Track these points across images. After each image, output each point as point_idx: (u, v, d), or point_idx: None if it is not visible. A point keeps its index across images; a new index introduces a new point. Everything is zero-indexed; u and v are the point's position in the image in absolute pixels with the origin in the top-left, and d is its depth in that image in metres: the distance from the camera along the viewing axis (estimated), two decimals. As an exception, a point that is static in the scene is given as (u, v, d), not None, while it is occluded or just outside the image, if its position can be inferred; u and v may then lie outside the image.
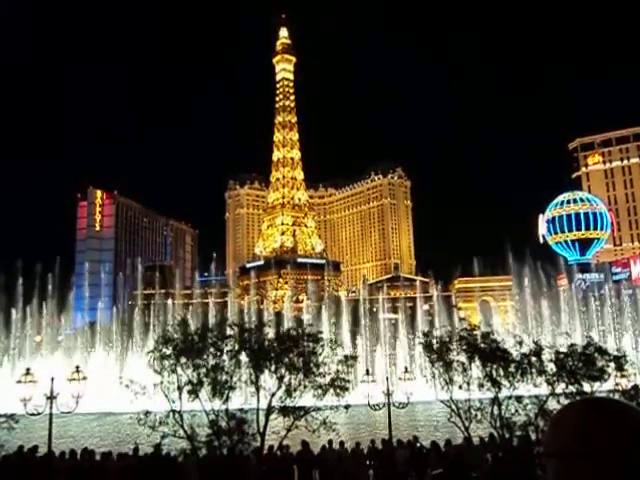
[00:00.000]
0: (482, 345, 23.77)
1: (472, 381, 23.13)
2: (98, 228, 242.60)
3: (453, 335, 25.41)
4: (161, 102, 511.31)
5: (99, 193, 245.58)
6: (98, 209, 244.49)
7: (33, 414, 17.81)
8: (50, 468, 16.78)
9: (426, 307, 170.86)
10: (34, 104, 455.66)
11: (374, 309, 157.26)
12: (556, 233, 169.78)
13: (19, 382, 17.96)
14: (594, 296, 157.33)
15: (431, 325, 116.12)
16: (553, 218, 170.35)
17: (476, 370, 23.33)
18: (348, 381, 23.04)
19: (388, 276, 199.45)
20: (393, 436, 22.95)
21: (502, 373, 22.61)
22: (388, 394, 22.87)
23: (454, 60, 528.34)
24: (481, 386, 22.82)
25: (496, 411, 21.88)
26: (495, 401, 22.08)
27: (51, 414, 17.36)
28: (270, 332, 23.91)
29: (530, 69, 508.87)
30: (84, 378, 18.91)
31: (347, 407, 22.74)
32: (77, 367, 19.27)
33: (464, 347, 23.91)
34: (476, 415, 22.26)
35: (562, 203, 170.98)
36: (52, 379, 17.76)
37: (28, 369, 18.56)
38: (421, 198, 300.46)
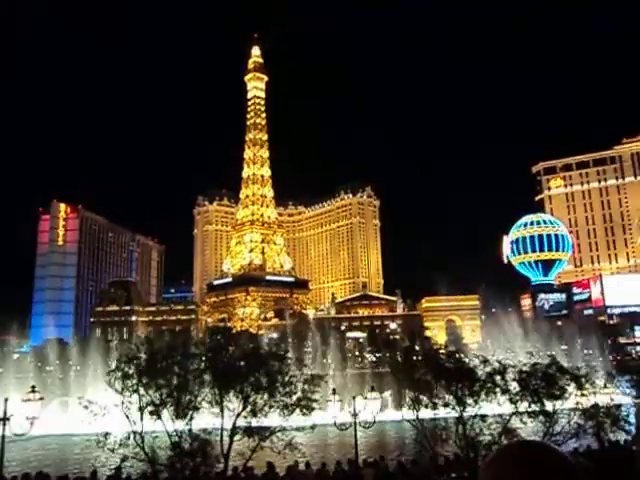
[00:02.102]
0: (447, 364, 23.97)
1: (438, 400, 23.25)
2: (61, 242, 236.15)
3: (419, 354, 25.56)
4: (129, 115, 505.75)
5: (63, 207, 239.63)
6: (61, 223, 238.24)
7: (-16, 437, 16.95)
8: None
9: (393, 326, 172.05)
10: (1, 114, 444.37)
11: (342, 327, 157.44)
12: (520, 254, 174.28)
13: (-30, 403, 17.13)
14: (556, 315, 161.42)
15: (398, 344, 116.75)
16: (517, 239, 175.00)
17: (442, 389, 23.47)
18: (315, 400, 22.85)
19: (356, 295, 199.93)
20: (360, 456, 22.79)
21: (467, 392, 22.80)
22: (354, 414, 22.74)
23: (421, 79, 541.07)
24: (446, 405, 22.95)
25: (461, 430, 22.00)
26: (460, 420, 22.22)
27: (3, 436, 16.56)
28: (236, 351, 23.58)
29: (498, 89, 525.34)
30: (40, 398, 18.16)
31: (313, 427, 22.50)
32: (33, 387, 18.49)
33: (430, 366, 24.07)
34: (441, 434, 22.33)
35: (526, 225, 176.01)
36: (6, 400, 16.98)
37: (-20, 389, 17.74)
38: (390, 217, 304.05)
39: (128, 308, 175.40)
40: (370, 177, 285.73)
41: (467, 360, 24.84)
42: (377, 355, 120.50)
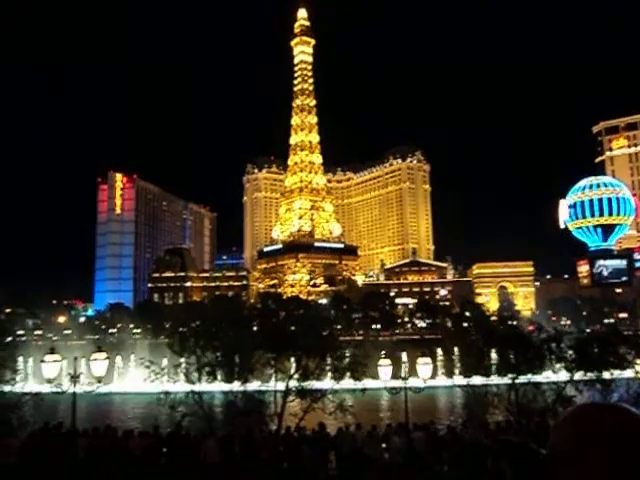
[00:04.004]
0: (499, 330, 23.66)
1: (490, 367, 23.07)
2: (119, 211, 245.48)
3: (470, 320, 25.35)
4: (182, 88, 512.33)
5: (119, 176, 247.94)
6: (119, 192, 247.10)
7: (57, 393, 18.29)
8: (74, 443, 17.28)
9: (443, 292, 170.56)
10: (58, 86, 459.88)
11: (391, 294, 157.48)
12: (578, 218, 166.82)
13: (43, 362, 18.42)
14: (615, 282, 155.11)
15: (449, 310, 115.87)
16: (575, 203, 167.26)
17: (494, 356, 23.26)
18: (365, 365, 23.17)
19: (406, 261, 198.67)
20: (411, 420, 23.08)
21: (520, 359, 22.49)
22: (404, 378, 22.94)
23: (471, 44, 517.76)
24: (499, 372, 22.76)
25: (513, 397, 21.82)
26: (512, 387, 22.02)
27: (74, 393, 17.81)
28: (287, 316, 24.09)
29: (554, 50, 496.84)
30: (106, 358, 19.31)
31: (364, 390, 22.90)
32: (99, 347, 19.66)
33: (481, 332, 23.83)
34: (493, 400, 22.24)
35: (585, 188, 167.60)
36: (75, 358, 18.21)
37: (52, 349, 19.01)
38: (440, 182, 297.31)
39: (183, 274, 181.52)
40: (420, 141, 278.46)
41: (520, 326, 24.42)
42: (427, 321, 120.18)
